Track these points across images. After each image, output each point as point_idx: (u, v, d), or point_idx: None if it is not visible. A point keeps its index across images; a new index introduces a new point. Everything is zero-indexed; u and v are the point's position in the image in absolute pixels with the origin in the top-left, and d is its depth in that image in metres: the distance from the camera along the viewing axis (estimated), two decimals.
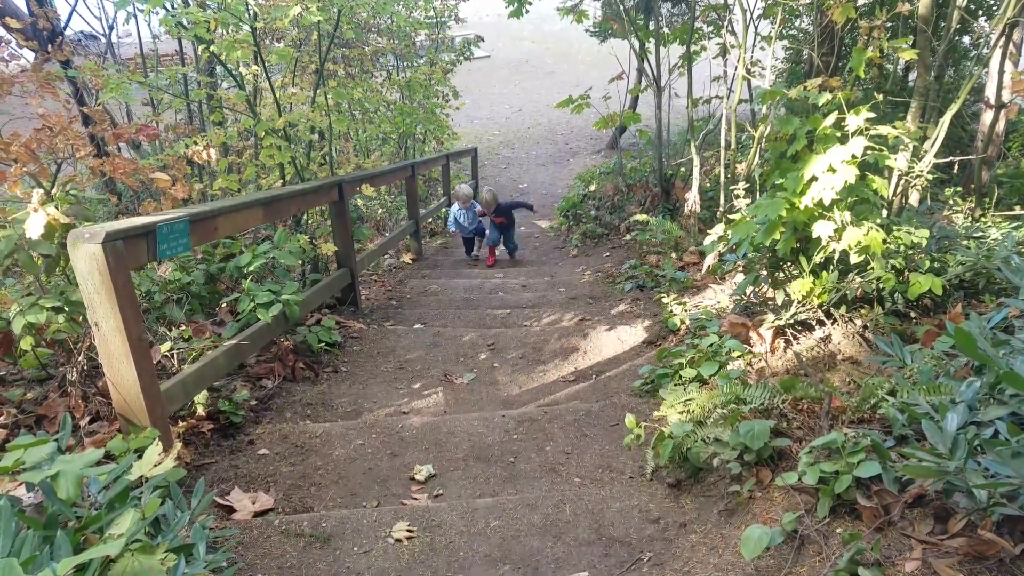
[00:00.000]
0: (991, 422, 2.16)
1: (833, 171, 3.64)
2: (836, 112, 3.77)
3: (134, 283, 2.67)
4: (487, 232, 8.48)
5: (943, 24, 5.33)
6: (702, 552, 2.46)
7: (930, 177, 4.77)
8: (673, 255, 6.48)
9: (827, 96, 3.75)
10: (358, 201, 9.21)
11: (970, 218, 5.56)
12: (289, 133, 4.88)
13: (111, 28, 6.37)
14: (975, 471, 1.95)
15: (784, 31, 9.34)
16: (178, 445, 2.31)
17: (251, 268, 4.03)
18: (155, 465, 1.61)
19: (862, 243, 3.77)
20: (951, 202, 6.27)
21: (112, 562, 1.43)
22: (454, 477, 3.19)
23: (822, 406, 2.77)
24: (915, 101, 5.14)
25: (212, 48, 4.35)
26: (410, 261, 8.10)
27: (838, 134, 3.78)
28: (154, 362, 2.90)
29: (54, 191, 2.70)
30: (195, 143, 4.02)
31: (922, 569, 2.01)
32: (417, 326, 5.28)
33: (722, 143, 6.54)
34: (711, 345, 3.70)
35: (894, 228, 4.09)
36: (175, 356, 3.31)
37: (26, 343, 2.67)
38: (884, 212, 4.43)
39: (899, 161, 4.71)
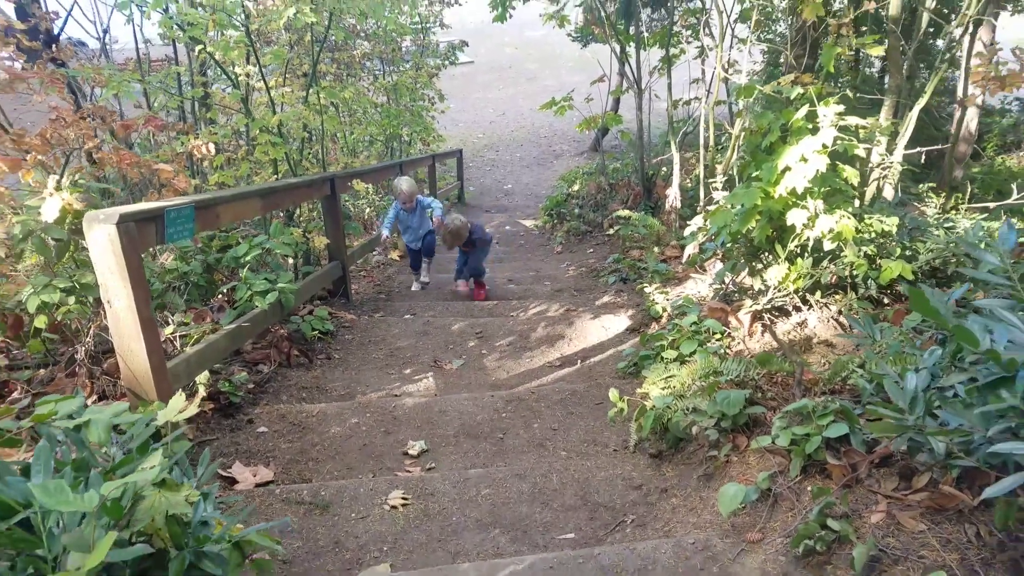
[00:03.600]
0: (951, 387, 2.33)
1: (805, 160, 3.83)
2: (808, 105, 3.96)
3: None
4: (457, 263, 6.69)
5: (916, 25, 5.56)
6: (682, 513, 2.62)
7: (900, 168, 4.98)
8: (655, 249, 6.65)
9: (799, 90, 3.93)
10: (347, 201, 9.32)
11: (941, 211, 5.77)
12: (282, 131, 5.01)
13: (106, 31, 6.46)
14: (933, 427, 2.12)
15: (762, 35, 9.58)
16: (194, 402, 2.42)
17: (248, 258, 4.15)
18: (179, 412, 1.74)
19: (834, 230, 3.96)
20: (925, 196, 6.49)
21: (142, 498, 1.56)
22: (446, 452, 3.32)
23: (795, 378, 2.94)
24: (888, 99, 5.36)
25: (208, 49, 4.47)
26: (398, 258, 8.21)
27: (809, 126, 3.97)
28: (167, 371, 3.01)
29: (64, 180, 2.80)
30: (195, 139, 4.14)
31: (886, 520, 2.18)
32: (407, 316, 5.41)
33: (701, 141, 6.73)
34: (691, 324, 3.86)
35: (865, 216, 4.28)
36: (177, 339, 3.42)
37: (40, 322, 2.77)
38: (856, 203, 4.63)
39: (871, 153, 4.94)
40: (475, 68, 26.50)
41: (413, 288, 6.65)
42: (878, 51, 4.55)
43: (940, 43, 9.24)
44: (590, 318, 5.12)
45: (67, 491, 1.31)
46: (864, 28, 6.61)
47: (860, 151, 3.79)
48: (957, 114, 6.72)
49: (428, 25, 13.28)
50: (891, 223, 4.24)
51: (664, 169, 9.48)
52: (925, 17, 5.30)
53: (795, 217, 4.01)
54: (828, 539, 2.10)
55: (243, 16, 4.38)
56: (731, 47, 7.60)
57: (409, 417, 3.57)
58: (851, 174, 3.92)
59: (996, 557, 1.96)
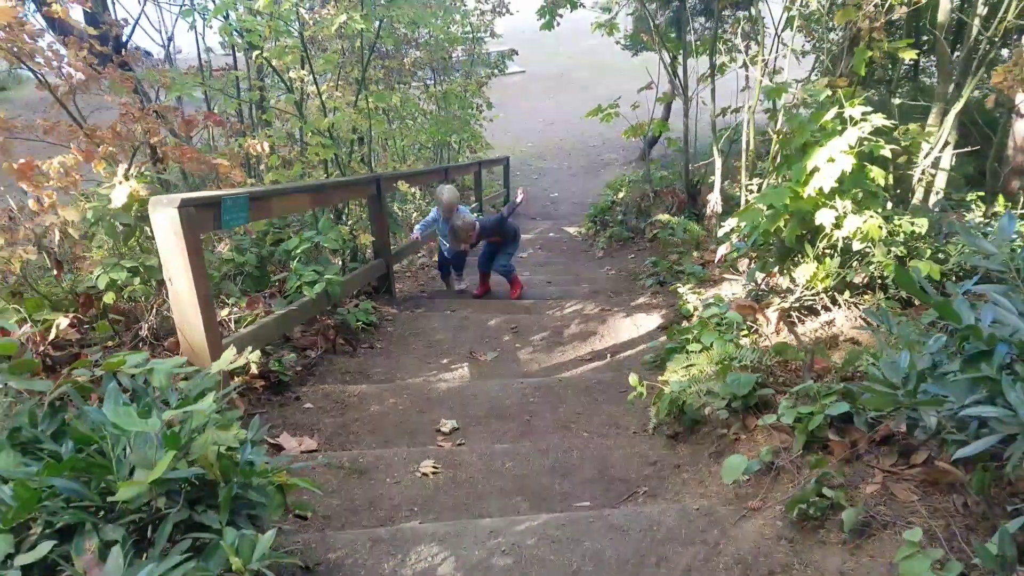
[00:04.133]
0: (954, 373, 2.44)
1: (832, 161, 3.94)
2: (837, 107, 4.07)
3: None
4: (481, 256, 6.58)
5: (965, 33, 5.56)
6: (691, 485, 2.78)
7: (939, 173, 5.02)
8: (694, 254, 6.76)
9: (827, 92, 4.04)
10: (394, 206, 9.66)
11: (984, 217, 5.75)
12: (333, 134, 5.33)
13: (170, 40, 6.91)
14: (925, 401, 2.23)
15: (810, 43, 9.60)
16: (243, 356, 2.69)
17: (298, 251, 4.45)
18: (231, 363, 1.99)
19: (862, 230, 4.05)
20: (973, 204, 6.45)
21: (197, 435, 1.81)
22: (475, 430, 3.54)
23: (805, 364, 3.07)
24: (935, 106, 5.39)
25: (265, 54, 4.81)
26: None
27: (839, 127, 4.07)
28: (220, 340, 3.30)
29: (131, 171, 3.12)
30: (252, 138, 4.48)
31: (881, 491, 2.31)
32: (446, 312, 5.65)
33: (743, 146, 6.83)
34: (711, 316, 3.99)
35: (895, 218, 4.35)
36: (232, 322, 3.72)
37: (108, 298, 3.08)
38: (888, 205, 4.69)
39: (910, 159, 4.99)
40: (526, 78, 26.83)
41: (456, 288, 6.75)
42: (910, 55, 4.63)
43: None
44: (623, 316, 5.28)
45: (134, 415, 1.57)
46: (900, 31, 6.64)
47: (886, 151, 3.87)
48: (1015, 125, 6.67)
49: (479, 35, 13.60)
50: (921, 224, 4.30)
51: (711, 179, 9.56)
52: (976, 24, 5.32)
53: (824, 217, 4.10)
54: (822, 505, 2.24)
55: (298, 24, 4.71)
56: (776, 54, 7.68)
57: (442, 399, 3.79)
58: (878, 175, 4.00)
59: (979, 524, 2.08)
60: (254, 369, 3.64)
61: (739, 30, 10.47)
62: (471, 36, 13.20)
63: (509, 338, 5.00)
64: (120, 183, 2.93)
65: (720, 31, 9.89)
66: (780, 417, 2.63)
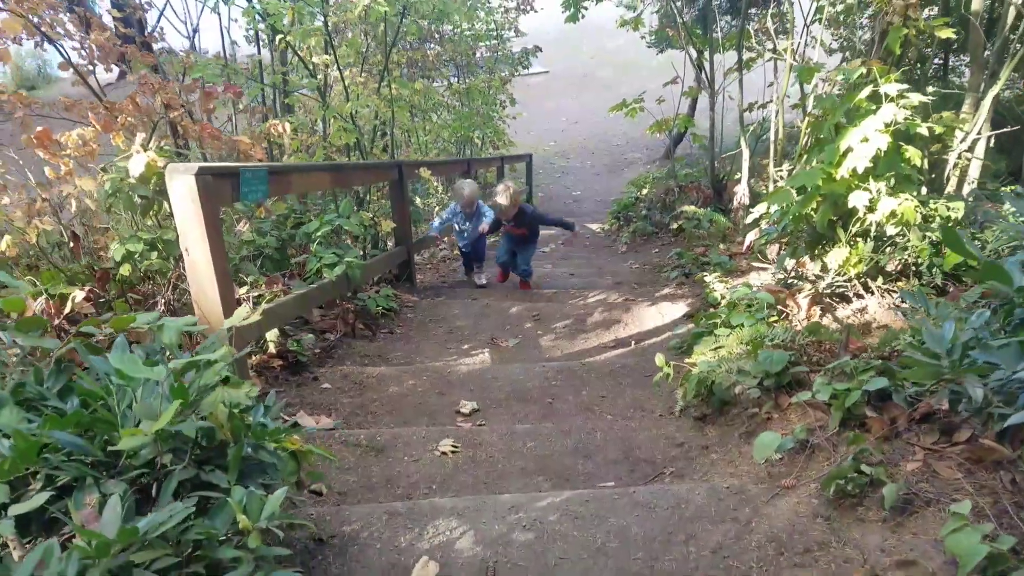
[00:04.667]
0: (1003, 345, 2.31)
1: (866, 140, 3.80)
2: (871, 86, 3.93)
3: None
4: (500, 250, 6.34)
5: (1001, 21, 5.39)
6: (720, 466, 2.67)
7: (969, 157, 4.86)
8: (721, 246, 6.63)
9: (862, 70, 3.91)
10: (416, 200, 9.61)
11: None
12: (355, 120, 5.28)
13: (195, 31, 6.93)
14: (971, 375, 2.11)
15: (838, 33, 9.43)
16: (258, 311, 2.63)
17: (319, 233, 4.40)
18: (244, 319, 1.93)
19: (896, 212, 3.90)
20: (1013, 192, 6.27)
21: (207, 392, 1.74)
22: (496, 412, 3.45)
23: (841, 342, 2.94)
24: (968, 96, 5.22)
25: (288, 38, 4.78)
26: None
27: (873, 107, 3.93)
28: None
29: (151, 144, 3.08)
30: (274, 120, 4.44)
31: (922, 468, 2.18)
32: (467, 300, 5.58)
33: (771, 136, 6.68)
34: (741, 297, 3.87)
35: (930, 202, 4.21)
36: (250, 300, 3.67)
37: (124, 270, 3.04)
38: (924, 190, 4.55)
39: (945, 148, 4.84)
40: (550, 77, 26.71)
41: (477, 283, 6.49)
42: (947, 33, 4.48)
43: None
44: (647, 305, 5.17)
45: (139, 363, 1.51)
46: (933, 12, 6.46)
47: (923, 129, 3.73)
48: None
49: (503, 32, 13.54)
50: (957, 207, 4.15)
51: (737, 176, 9.41)
52: (1012, 11, 5.14)
53: (857, 199, 3.96)
54: (860, 482, 2.12)
55: (321, 4, 4.67)
56: (806, 46, 7.52)
57: (463, 381, 3.71)
58: (915, 155, 3.86)
59: None
60: (272, 348, 3.60)
61: (767, 25, 10.37)
62: (495, 33, 13.15)
63: (531, 325, 4.91)
64: (138, 152, 2.89)
65: (747, 26, 9.76)
66: (815, 394, 2.52)
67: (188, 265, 2.83)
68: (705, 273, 5.57)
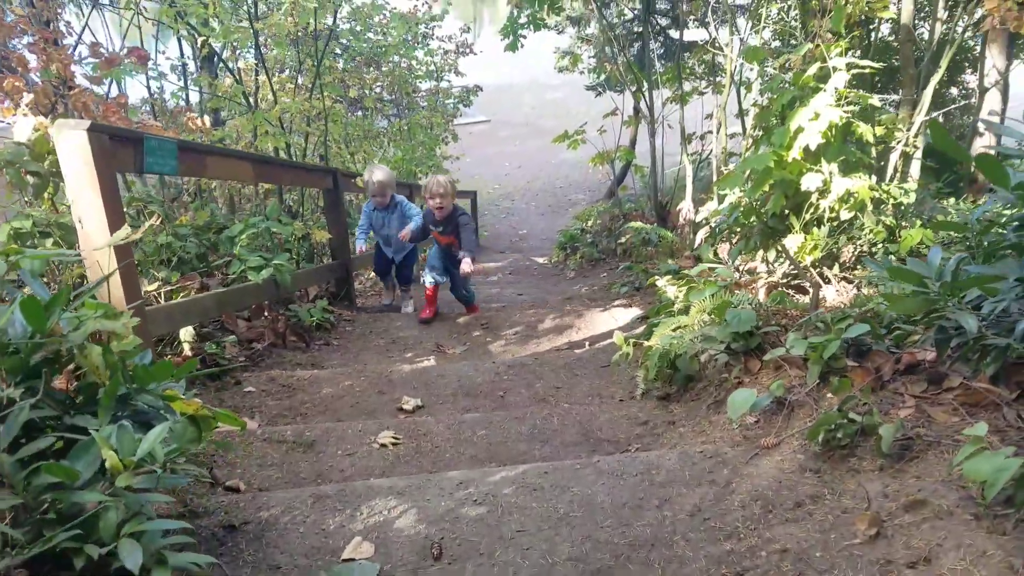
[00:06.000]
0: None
1: (817, 116, 3.69)
2: (819, 62, 3.85)
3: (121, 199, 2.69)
4: (430, 261, 5.00)
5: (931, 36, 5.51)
6: (690, 437, 2.41)
7: (917, 147, 4.84)
8: (669, 261, 6.49)
9: (809, 46, 3.84)
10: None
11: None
12: (284, 124, 5.00)
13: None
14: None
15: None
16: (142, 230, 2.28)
17: (242, 237, 4.06)
18: (124, 238, 1.60)
19: (850, 191, 3.78)
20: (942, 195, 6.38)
21: (79, 325, 1.41)
22: (443, 408, 3.13)
23: (812, 295, 2.75)
24: (902, 111, 5.26)
25: (211, 40, 4.51)
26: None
27: (822, 86, 3.85)
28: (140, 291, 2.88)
29: (48, 119, 2.74)
30: (192, 113, 4.13)
31: (916, 414, 1.96)
32: (409, 310, 5.27)
33: (714, 144, 6.64)
34: (700, 273, 3.68)
35: (883, 185, 4.13)
36: (162, 296, 3.30)
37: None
38: (873, 179, 4.48)
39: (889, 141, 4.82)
40: (492, 126, 26.94)
41: (403, 307, 5.41)
42: (888, 14, 4.49)
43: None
44: (600, 311, 4.96)
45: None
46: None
47: (875, 100, 3.66)
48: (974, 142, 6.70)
49: (443, 74, 13.56)
50: (909, 190, 4.09)
51: (681, 203, 9.41)
52: (939, 28, 5.24)
53: (809, 181, 3.83)
54: (850, 430, 1.88)
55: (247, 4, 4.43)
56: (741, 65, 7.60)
57: (405, 380, 3.38)
58: (866, 131, 3.76)
59: None
60: (187, 350, 3.22)
61: (701, 59, 10.58)
62: (436, 75, 13.15)
63: (479, 333, 4.62)
64: (24, 115, 2.54)
65: (683, 62, 9.95)
66: (789, 349, 2.29)
67: (81, 239, 2.47)
68: (657, 277, 5.39)
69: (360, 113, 9.75)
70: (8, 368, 1.25)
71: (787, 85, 4.07)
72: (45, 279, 2.92)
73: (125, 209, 2.86)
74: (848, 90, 3.61)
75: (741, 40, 7.19)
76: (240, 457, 2.44)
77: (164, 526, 1.28)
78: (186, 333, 3.20)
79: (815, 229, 4.02)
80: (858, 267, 4.11)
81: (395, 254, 5.37)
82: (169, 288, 3.29)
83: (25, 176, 2.75)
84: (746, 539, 1.68)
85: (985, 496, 1.42)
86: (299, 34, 6.14)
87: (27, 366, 1.28)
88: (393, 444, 2.57)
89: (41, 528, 1.18)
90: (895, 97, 5.74)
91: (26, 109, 2.57)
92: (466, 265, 4.48)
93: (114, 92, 4.31)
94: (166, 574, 1.25)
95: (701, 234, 5.19)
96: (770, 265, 4.24)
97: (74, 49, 3.73)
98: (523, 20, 9.08)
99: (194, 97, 5.85)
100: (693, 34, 11.76)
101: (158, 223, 3.65)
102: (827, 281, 4.05)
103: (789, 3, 7.09)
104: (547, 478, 1.98)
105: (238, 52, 4.76)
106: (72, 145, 2.36)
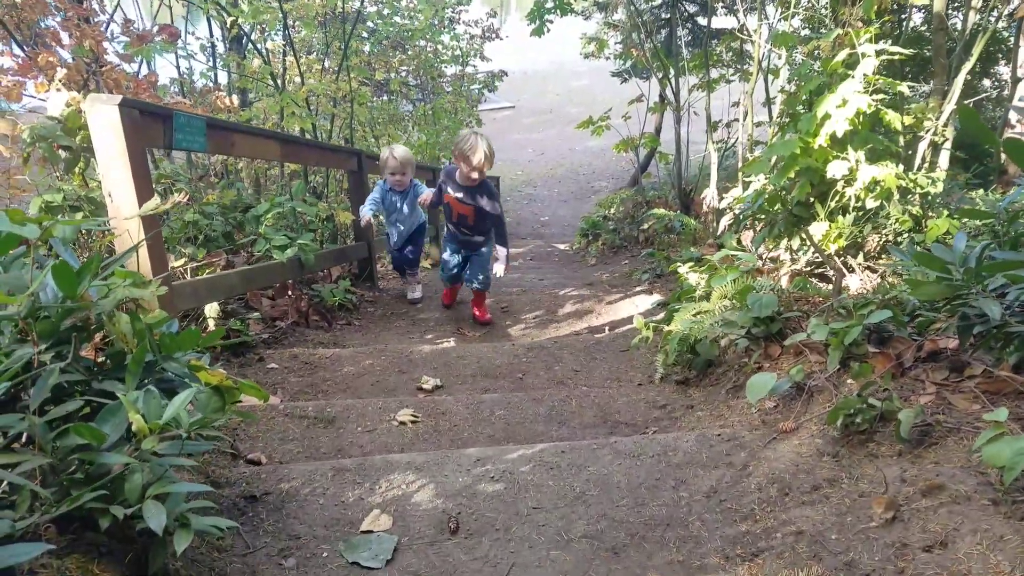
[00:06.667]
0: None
1: (844, 103, 3.64)
2: (848, 48, 3.79)
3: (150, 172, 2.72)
4: (445, 260, 4.53)
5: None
6: (708, 421, 2.41)
7: (946, 137, 4.76)
8: (692, 248, 6.45)
9: (838, 31, 3.78)
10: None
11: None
12: (310, 106, 5.03)
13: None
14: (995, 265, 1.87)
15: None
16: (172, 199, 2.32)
17: (267, 216, 4.11)
18: (153, 209, 1.63)
19: (876, 179, 3.73)
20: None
21: (108, 293, 1.45)
22: (461, 389, 3.15)
23: (834, 282, 2.73)
24: (932, 100, 5.16)
25: (240, 20, 4.54)
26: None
27: (851, 72, 3.79)
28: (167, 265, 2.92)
29: (82, 95, 2.78)
30: (220, 91, 4.18)
31: (936, 400, 1.94)
32: (416, 295, 5.29)
33: (740, 133, 6.58)
34: (723, 259, 3.66)
35: (909, 174, 4.07)
36: (188, 272, 3.35)
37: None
38: (901, 167, 4.42)
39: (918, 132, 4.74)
40: (517, 112, 26.87)
41: (410, 296, 5.07)
42: (921, 2, 4.41)
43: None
44: (620, 297, 4.95)
45: (5, 219, 1.21)
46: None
47: (904, 88, 3.60)
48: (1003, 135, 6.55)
49: (468, 58, 13.53)
50: (937, 179, 4.02)
51: (705, 191, 9.33)
52: (972, 17, 5.14)
53: (835, 169, 3.78)
54: (869, 415, 1.87)
55: None
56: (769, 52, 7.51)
57: (426, 360, 3.41)
58: (894, 119, 3.71)
59: None
60: (211, 325, 3.27)
61: (729, 45, 10.45)
62: (461, 59, 13.12)
63: (499, 316, 4.64)
64: (57, 90, 2.59)
65: (710, 49, 9.84)
66: (811, 335, 2.27)
67: (111, 212, 2.52)
68: (679, 263, 5.37)
69: (385, 97, 9.76)
70: (40, 332, 1.28)
71: (815, 71, 4.03)
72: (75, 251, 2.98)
73: (153, 186, 2.90)
74: (877, 77, 3.56)
75: (770, 27, 7.13)
76: (262, 431, 2.48)
77: (188, 488, 1.32)
78: (211, 309, 3.25)
79: (840, 217, 3.98)
80: (883, 256, 4.06)
81: (399, 240, 4.95)
82: (195, 264, 3.34)
83: (57, 151, 2.80)
84: (762, 520, 1.69)
85: (1004, 481, 1.41)
86: (327, 16, 6.18)
87: (57, 331, 1.31)
88: (412, 422, 2.60)
89: (69, 488, 1.22)
90: (926, 88, 5.67)
91: (59, 84, 2.62)
92: (500, 268, 4.23)
93: (144, 71, 4.37)
94: (188, 536, 1.28)
95: (724, 221, 5.14)
96: (794, 253, 4.20)
97: (106, 27, 3.80)
98: (550, 4, 9.00)
99: (222, 78, 5.93)
100: (721, 21, 11.68)
101: (185, 200, 3.71)
102: (851, 270, 4.01)
103: None
104: (564, 457, 2.00)
105: (266, 33, 4.78)
106: (104, 119, 2.40)
